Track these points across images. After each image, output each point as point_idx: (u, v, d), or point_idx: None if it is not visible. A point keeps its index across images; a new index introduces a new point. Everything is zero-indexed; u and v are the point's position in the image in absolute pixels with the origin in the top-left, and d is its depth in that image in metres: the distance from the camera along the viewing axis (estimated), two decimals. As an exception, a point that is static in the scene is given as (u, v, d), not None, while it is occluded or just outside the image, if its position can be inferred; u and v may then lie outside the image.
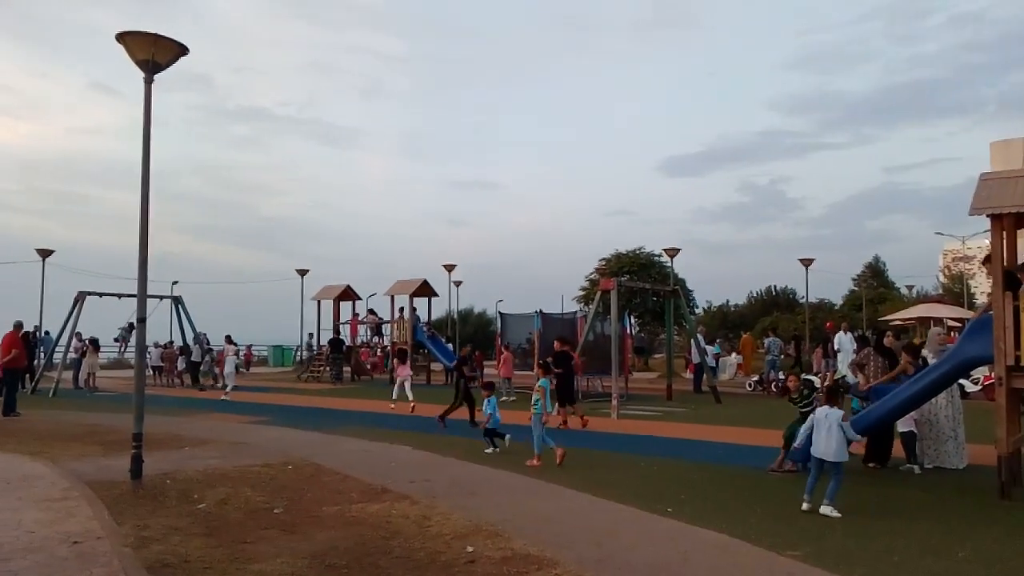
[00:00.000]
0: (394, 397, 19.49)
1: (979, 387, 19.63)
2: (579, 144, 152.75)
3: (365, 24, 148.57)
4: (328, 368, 31.49)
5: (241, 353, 31.79)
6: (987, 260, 9.69)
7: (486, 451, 11.58)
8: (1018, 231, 9.52)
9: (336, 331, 33.00)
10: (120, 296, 26.83)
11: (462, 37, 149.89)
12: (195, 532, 6.88)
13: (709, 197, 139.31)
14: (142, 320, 9.61)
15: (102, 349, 30.63)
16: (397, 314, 31.16)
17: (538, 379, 11.65)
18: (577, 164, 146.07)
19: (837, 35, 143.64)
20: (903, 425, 10.30)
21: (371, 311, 33.35)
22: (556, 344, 16.92)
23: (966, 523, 7.28)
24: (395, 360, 23.47)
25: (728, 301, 66.37)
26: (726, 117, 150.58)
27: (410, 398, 18.59)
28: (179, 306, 29.09)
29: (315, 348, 35.72)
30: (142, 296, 9.61)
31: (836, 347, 22.54)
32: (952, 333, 23.81)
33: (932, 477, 9.83)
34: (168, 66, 9.35)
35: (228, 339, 30.85)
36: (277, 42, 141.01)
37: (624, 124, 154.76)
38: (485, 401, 12.05)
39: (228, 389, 22.75)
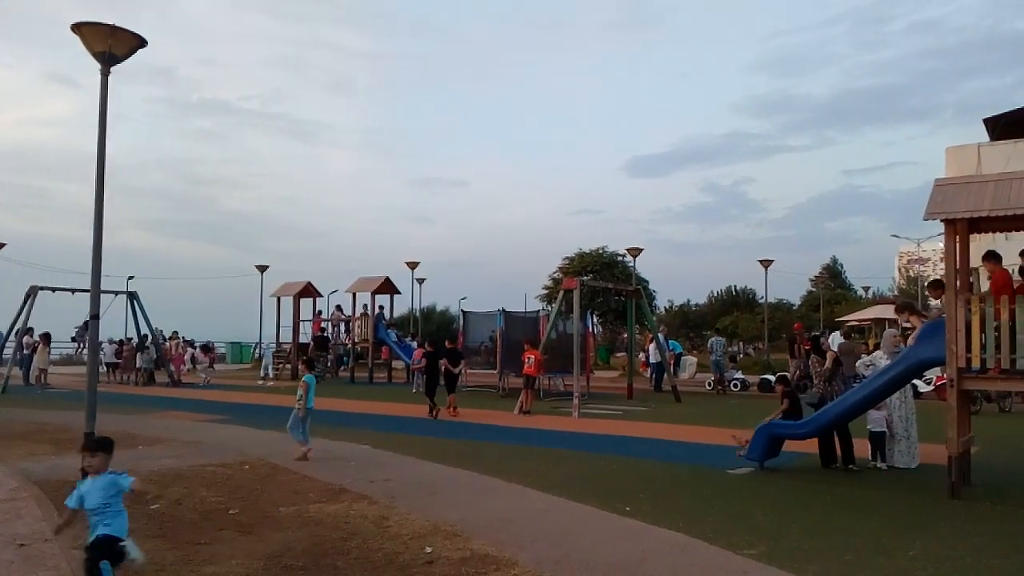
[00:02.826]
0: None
1: (932, 387, 20.06)
2: (545, 143, 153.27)
3: (331, 19, 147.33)
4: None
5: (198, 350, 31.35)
6: (933, 285, 9.99)
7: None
8: (971, 235, 9.75)
9: (293, 329, 32.68)
10: (73, 291, 26.25)
11: (429, 34, 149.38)
12: (148, 533, 6.75)
13: (674, 197, 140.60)
14: (95, 316, 9.39)
15: (53, 345, 30.05)
16: (360, 311, 30.93)
17: (302, 375, 11.71)
18: (543, 163, 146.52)
19: (802, 39, 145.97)
20: (875, 425, 10.50)
21: (338, 307, 33.05)
22: (447, 343, 19.17)
23: (917, 522, 7.43)
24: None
25: (689, 300, 67.14)
26: (691, 119, 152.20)
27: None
28: (134, 302, 28.55)
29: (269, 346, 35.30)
30: (95, 292, 9.39)
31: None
32: (906, 334, 24.25)
33: (885, 477, 10.02)
34: (126, 58, 9.14)
35: (175, 335, 30.54)
36: (241, 36, 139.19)
37: (590, 124, 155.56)
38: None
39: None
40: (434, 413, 16.71)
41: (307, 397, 11.00)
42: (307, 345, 32.22)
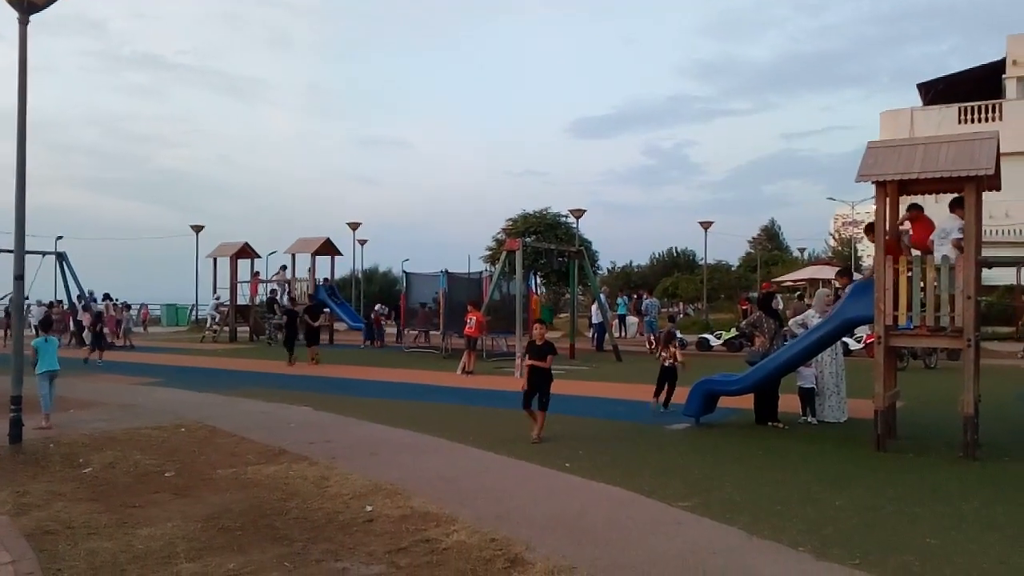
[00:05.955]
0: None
1: (862, 345, 20.71)
2: (491, 104, 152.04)
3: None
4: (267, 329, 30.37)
5: (137, 312, 30.54)
6: (868, 229, 10.12)
7: None
8: (901, 197, 10.01)
9: (231, 290, 32.06)
10: (-3, 252, 25.21)
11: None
12: (80, 497, 6.63)
13: (617, 159, 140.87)
14: (19, 277, 9.08)
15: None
16: (306, 272, 30.43)
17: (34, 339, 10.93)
18: (488, 124, 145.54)
19: (746, 2, 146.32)
20: (804, 381, 10.79)
21: (283, 267, 32.48)
22: (308, 298, 23.09)
23: (844, 474, 7.71)
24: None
25: (631, 262, 67.77)
26: (636, 80, 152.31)
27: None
28: (63, 263, 27.65)
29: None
30: (19, 252, 9.08)
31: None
32: (838, 293, 24.93)
33: (815, 430, 10.36)
34: (46, 6, 8.75)
35: (107, 296, 29.60)
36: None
37: (536, 85, 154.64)
38: None
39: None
40: (291, 361, 19.56)
41: (38, 363, 10.24)
42: (246, 307, 31.66)
